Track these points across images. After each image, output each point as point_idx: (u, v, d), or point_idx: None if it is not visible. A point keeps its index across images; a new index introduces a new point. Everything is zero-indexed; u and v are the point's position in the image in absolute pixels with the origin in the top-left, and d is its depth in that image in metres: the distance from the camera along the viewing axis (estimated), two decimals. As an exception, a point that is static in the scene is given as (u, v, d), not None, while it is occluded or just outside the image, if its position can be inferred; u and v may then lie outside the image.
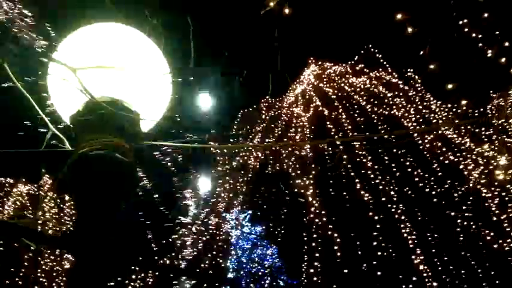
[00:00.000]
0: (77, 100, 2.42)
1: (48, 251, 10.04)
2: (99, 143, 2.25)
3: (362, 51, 11.80)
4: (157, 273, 11.46)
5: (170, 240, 12.06)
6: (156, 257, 11.90)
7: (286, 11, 3.55)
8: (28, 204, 10.21)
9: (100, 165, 2.22)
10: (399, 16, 4.17)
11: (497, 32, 5.34)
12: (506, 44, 5.25)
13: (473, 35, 5.54)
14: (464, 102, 8.82)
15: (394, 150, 10.76)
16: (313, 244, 10.68)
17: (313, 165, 10.90)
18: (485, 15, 5.29)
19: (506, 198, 9.41)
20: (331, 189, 11.39)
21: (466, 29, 5.61)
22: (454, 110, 9.86)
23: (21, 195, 10.27)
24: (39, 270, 10.14)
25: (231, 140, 11.42)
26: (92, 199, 2.16)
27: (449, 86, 7.33)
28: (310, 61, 12.33)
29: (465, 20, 5.60)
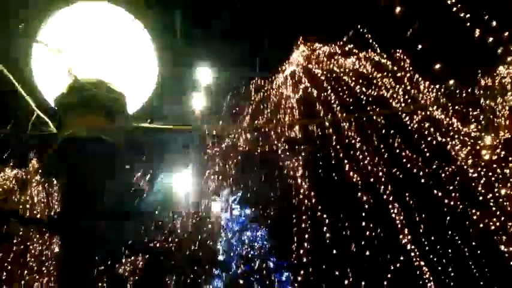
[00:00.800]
0: (61, 82, 2.37)
1: (37, 236, 10.01)
2: (84, 125, 2.22)
3: (351, 32, 11.77)
4: (146, 256, 11.49)
5: (160, 223, 12.09)
6: (145, 240, 11.92)
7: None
8: (15, 188, 10.14)
9: (86, 147, 2.19)
10: (387, -5, 4.14)
11: (485, 12, 5.34)
12: (494, 23, 5.25)
13: (461, 14, 5.52)
14: (451, 82, 8.85)
15: (383, 131, 10.82)
16: (303, 225, 10.79)
17: (302, 147, 10.95)
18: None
19: (493, 178, 9.54)
20: (320, 171, 11.45)
21: (454, 9, 5.58)
22: (442, 90, 9.91)
23: (8, 179, 10.19)
24: (29, 255, 10.13)
25: (221, 122, 11.40)
26: (78, 181, 2.14)
27: (437, 66, 7.34)
28: (299, 41, 12.27)
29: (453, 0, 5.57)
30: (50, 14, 2.44)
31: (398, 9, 3.91)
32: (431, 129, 10.54)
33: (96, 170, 2.19)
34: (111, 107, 2.35)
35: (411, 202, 10.69)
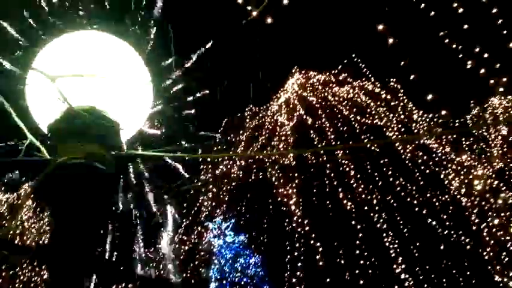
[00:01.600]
0: (55, 109, 2.38)
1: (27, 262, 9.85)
2: (77, 152, 2.22)
3: (345, 61, 11.93)
4: (138, 284, 11.32)
5: (152, 249, 11.95)
6: (137, 267, 11.76)
7: (269, 20, 3.56)
8: (6, 213, 10.01)
9: (78, 174, 2.19)
10: (380, 27, 4.22)
11: (477, 44, 5.44)
12: (486, 55, 5.34)
13: (453, 46, 5.62)
14: (444, 112, 8.95)
15: (377, 160, 10.85)
16: (296, 253, 10.69)
17: (296, 174, 10.94)
18: (465, 26, 5.37)
19: (486, 208, 9.55)
20: (314, 198, 11.43)
21: (446, 40, 5.68)
22: (435, 119, 10.01)
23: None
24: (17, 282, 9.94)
25: (215, 149, 11.39)
26: (69, 209, 2.12)
27: (429, 97, 7.46)
28: (294, 70, 12.41)
29: (445, 31, 5.68)
30: (45, 42, 2.47)
31: (391, 40, 3.99)
32: (425, 158, 10.59)
33: (88, 197, 2.18)
34: (105, 134, 2.35)
35: (405, 230, 10.65)
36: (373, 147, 10.99)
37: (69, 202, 2.11)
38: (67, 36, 2.51)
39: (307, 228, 10.49)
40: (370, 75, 11.72)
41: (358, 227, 10.36)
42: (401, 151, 10.69)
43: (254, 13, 3.49)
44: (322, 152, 10.81)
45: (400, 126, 10.83)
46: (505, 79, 6.11)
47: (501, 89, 7.14)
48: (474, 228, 9.85)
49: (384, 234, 10.31)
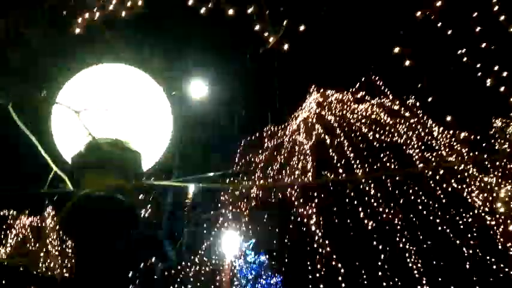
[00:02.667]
0: (79, 141, 2.45)
1: None
2: (99, 184, 2.27)
3: (363, 79, 11.92)
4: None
5: (173, 272, 11.96)
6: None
7: (285, 46, 3.60)
8: (30, 245, 10.13)
9: (100, 206, 2.23)
10: (397, 50, 4.23)
11: (496, 62, 5.41)
12: (505, 73, 5.31)
13: (472, 64, 5.60)
14: (463, 134, 8.87)
15: (398, 178, 10.74)
16: (317, 274, 10.57)
17: (316, 194, 10.88)
18: (483, 45, 5.35)
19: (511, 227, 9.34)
20: (335, 218, 11.33)
21: (465, 59, 5.66)
22: (456, 137, 9.88)
23: (24, 228, 10.24)
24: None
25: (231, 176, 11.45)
26: (91, 241, 2.16)
27: (448, 119, 7.40)
28: (311, 89, 12.43)
29: (463, 50, 5.66)
30: (69, 76, 2.55)
31: (408, 62, 4.01)
32: (447, 176, 10.43)
33: (111, 229, 2.22)
34: (127, 166, 2.40)
35: (429, 251, 10.47)
36: (393, 165, 10.90)
37: (91, 235, 2.15)
38: (90, 70, 2.59)
39: (328, 248, 10.39)
40: (388, 93, 11.67)
41: (380, 247, 10.22)
42: (423, 169, 10.55)
43: (271, 39, 3.53)
44: (341, 171, 10.75)
45: (420, 143, 10.71)
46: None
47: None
48: (500, 247, 9.62)
49: (407, 255, 10.15)
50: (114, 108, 2.44)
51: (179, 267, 12.41)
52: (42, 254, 9.82)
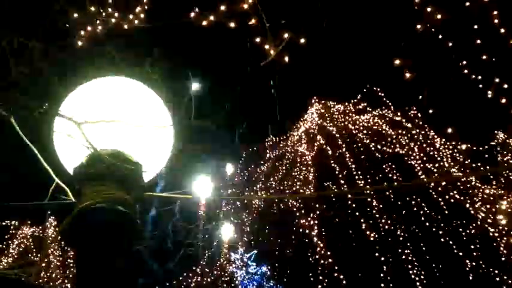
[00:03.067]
0: (80, 152, 2.47)
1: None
2: (101, 196, 2.28)
3: (364, 90, 11.95)
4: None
5: (174, 282, 11.92)
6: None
7: (286, 59, 3.63)
8: (31, 255, 10.12)
9: (102, 218, 2.24)
10: (397, 62, 4.26)
11: (496, 74, 5.44)
12: (505, 86, 5.33)
13: (473, 76, 5.62)
14: (464, 146, 8.88)
15: (399, 189, 10.71)
16: (319, 286, 10.51)
17: (317, 205, 10.86)
18: (484, 57, 5.38)
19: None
20: (337, 230, 11.30)
21: (465, 71, 5.69)
22: (458, 148, 9.88)
23: (26, 239, 10.24)
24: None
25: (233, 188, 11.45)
26: (92, 253, 2.17)
27: (449, 131, 7.42)
28: (313, 100, 12.47)
29: (464, 62, 5.69)
30: (71, 88, 2.58)
31: (408, 75, 4.03)
32: (450, 187, 10.40)
33: (112, 241, 2.23)
34: (128, 177, 2.42)
35: (431, 262, 10.41)
36: (395, 176, 10.90)
37: (92, 247, 2.16)
38: (91, 83, 2.62)
39: (330, 260, 10.34)
40: (390, 104, 11.69)
41: (383, 258, 10.17)
42: (425, 180, 10.53)
43: (272, 52, 3.56)
44: (343, 181, 10.74)
45: (422, 154, 10.70)
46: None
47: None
48: (503, 259, 9.57)
49: (410, 266, 10.09)
50: (116, 120, 2.46)
51: (181, 278, 12.37)
52: (43, 265, 9.80)
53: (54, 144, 2.60)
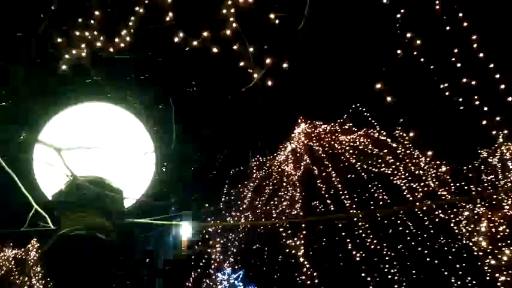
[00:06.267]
0: (60, 179, 2.45)
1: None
2: (80, 223, 2.27)
3: (350, 111, 12.06)
4: None
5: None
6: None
7: (269, 83, 3.67)
8: (13, 273, 9.94)
9: (81, 245, 2.23)
10: (378, 86, 4.34)
11: (476, 97, 5.55)
12: (485, 108, 5.44)
13: (454, 99, 5.73)
14: (447, 167, 9.00)
15: (385, 208, 10.76)
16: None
17: (304, 225, 10.85)
18: (464, 80, 5.49)
19: (499, 257, 9.36)
20: (323, 250, 11.29)
21: (447, 93, 5.79)
22: (441, 168, 9.98)
23: (7, 263, 10.06)
24: None
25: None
26: (71, 280, 2.15)
27: (429, 153, 7.53)
28: (299, 120, 12.54)
29: (445, 84, 5.80)
30: (51, 115, 2.57)
31: (389, 99, 4.11)
32: (435, 207, 10.47)
33: (92, 269, 2.21)
34: (109, 204, 2.41)
35: (417, 281, 10.43)
36: (381, 195, 10.96)
37: (70, 274, 2.14)
38: (72, 109, 2.62)
39: (316, 280, 10.30)
40: (375, 124, 11.80)
41: (369, 278, 10.16)
42: (410, 199, 10.61)
43: (255, 75, 3.60)
44: (329, 201, 10.77)
45: (407, 174, 10.79)
46: (506, 131, 6.18)
47: (501, 140, 7.25)
48: (488, 278, 9.61)
49: (396, 286, 10.10)
50: (96, 146, 2.46)
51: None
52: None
53: (34, 170, 2.59)
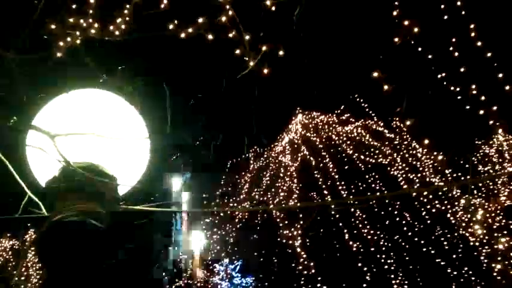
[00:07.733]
0: (54, 165, 2.43)
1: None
2: (73, 209, 2.25)
3: (348, 100, 12.04)
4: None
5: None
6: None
7: (265, 71, 3.64)
8: (10, 264, 9.94)
9: (73, 231, 2.21)
10: (375, 74, 4.31)
11: (474, 86, 5.53)
12: (483, 98, 5.42)
13: (451, 88, 5.71)
14: (445, 156, 9.00)
15: (383, 200, 10.77)
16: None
17: (301, 215, 10.88)
18: (462, 69, 5.47)
19: (495, 246, 9.40)
20: (320, 240, 11.31)
21: (444, 83, 5.77)
22: (439, 158, 9.99)
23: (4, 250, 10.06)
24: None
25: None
26: (64, 267, 2.14)
27: (426, 142, 7.51)
28: (296, 111, 12.53)
29: (443, 74, 5.78)
30: (45, 101, 2.55)
31: (386, 87, 4.08)
32: (431, 197, 10.49)
33: (84, 256, 2.20)
34: (102, 190, 2.39)
35: (413, 271, 10.48)
36: (377, 186, 10.96)
37: (63, 261, 2.13)
38: (66, 95, 2.59)
39: (313, 270, 10.34)
40: (373, 114, 11.79)
41: (365, 268, 10.20)
42: (408, 190, 10.61)
43: (251, 63, 3.57)
44: (326, 192, 10.78)
45: (404, 165, 10.80)
46: (503, 120, 6.18)
47: (500, 130, 7.23)
48: (484, 268, 9.66)
49: (392, 276, 10.14)
50: (90, 132, 2.44)
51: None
52: (22, 278, 9.64)
53: (27, 157, 2.56)
